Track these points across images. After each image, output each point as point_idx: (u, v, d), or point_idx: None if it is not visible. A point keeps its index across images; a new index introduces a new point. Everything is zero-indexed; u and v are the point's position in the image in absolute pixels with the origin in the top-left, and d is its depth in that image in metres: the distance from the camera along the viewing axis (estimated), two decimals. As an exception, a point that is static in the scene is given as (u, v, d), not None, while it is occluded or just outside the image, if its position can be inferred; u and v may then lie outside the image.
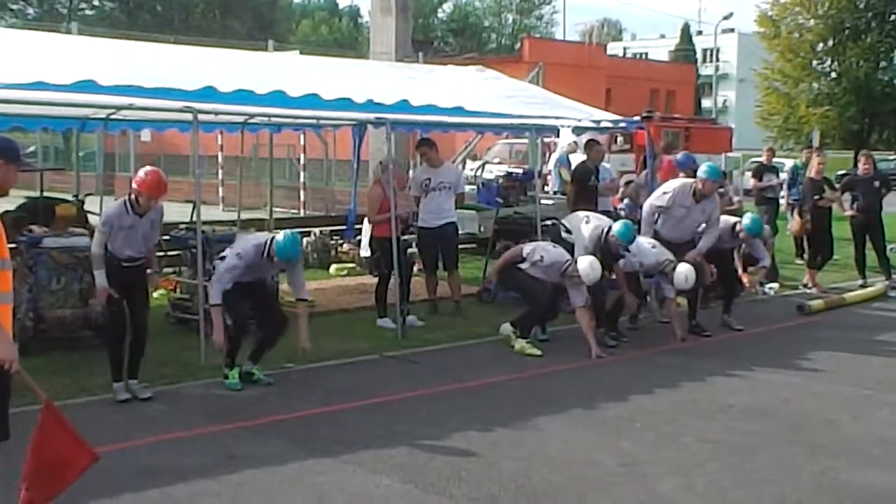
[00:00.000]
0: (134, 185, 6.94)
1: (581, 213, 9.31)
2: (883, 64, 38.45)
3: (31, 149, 33.77)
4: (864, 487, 5.57)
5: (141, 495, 5.20)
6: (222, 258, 7.39)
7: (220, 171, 23.00)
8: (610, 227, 8.97)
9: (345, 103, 8.76)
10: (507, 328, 9.09)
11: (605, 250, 8.88)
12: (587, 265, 8.59)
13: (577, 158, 13.42)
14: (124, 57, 8.77)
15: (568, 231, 9.87)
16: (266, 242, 7.31)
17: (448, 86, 11.49)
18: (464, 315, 10.32)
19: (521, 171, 16.99)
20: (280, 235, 7.34)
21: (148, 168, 7.09)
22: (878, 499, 5.41)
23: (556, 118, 11.64)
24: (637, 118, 12.21)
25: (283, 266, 7.52)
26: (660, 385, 7.83)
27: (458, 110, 9.83)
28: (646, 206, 9.84)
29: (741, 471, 5.81)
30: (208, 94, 7.97)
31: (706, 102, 55.83)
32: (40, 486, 4.63)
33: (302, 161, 21.89)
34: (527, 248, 9.06)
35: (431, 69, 13.38)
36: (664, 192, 9.67)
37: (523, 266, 8.96)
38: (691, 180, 9.70)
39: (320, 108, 9.10)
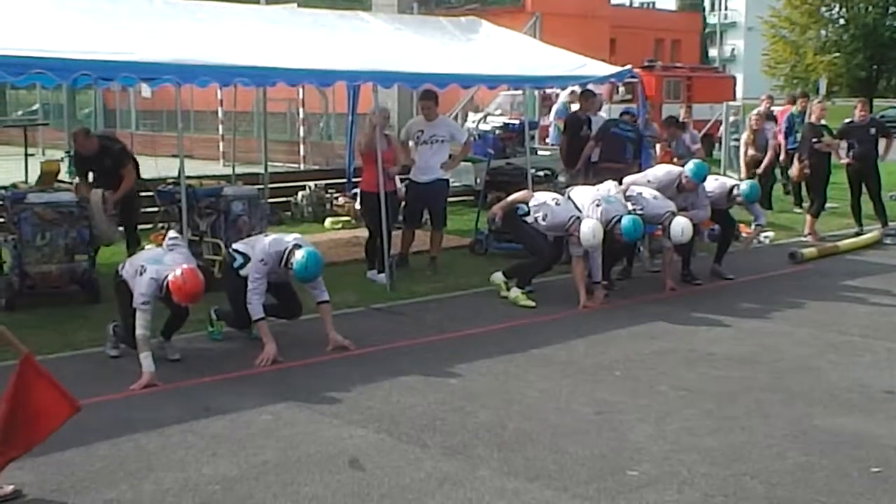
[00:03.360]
0: (169, 284, 6.35)
1: (590, 193, 9.01)
2: (892, 10, 37.88)
3: (35, 106, 33.80)
4: (835, 432, 5.59)
5: (114, 447, 5.26)
6: (240, 267, 7.05)
7: (220, 127, 22.91)
8: (620, 219, 8.69)
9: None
10: (498, 277, 9.10)
11: (608, 234, 8.75)
12: (589, 231, 8.50)
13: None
14: (96, 20, 8.72)
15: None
16: (285, 252, 6.92)
17: (432, 42, 11.42)
18: (437, 271, 10.17)
19: (517, 122, 16.90)
20: (300, 253, 6.88)
21: (186, 269, 6.39)
22: (848, 442, 5.42)
23: (526, 77, 11.49)
24: (628, 68, 12.05)
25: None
26: (643, 334, 7.87)
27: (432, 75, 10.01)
28: (627, 181, 9.62)
29: (715, 418, 5.84)
30: (184, 71, 8.04)
31: (713, 52, 55.14)
32: (15, 437, 4.70)
33: (301, 115, 21.82)
34: (535, 199, 8.98)
35: (423, 22, 13.24)
36: (648, 181, 9.53)
37: (527, 219, 8.92)
38: (678, 170, 9.56)
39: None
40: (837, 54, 37.21)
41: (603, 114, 13.44)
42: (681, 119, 13.55)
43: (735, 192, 9.87)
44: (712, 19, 57.48)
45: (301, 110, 21.72)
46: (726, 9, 65.37)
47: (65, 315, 8.10)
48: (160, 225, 9.86)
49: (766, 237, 12.41)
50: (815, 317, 8.50)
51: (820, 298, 9.18)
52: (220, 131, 22.68)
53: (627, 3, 50.18)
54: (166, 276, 6.38)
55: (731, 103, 21.23)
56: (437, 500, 4.66)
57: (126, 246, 9.43)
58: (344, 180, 13.66)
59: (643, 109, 12.06)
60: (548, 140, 18.95)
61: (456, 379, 6.58)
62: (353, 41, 10.63)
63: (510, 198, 9.21)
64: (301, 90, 19.85)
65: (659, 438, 5.48)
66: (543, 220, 8.82)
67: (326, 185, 14.62)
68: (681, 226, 8.93)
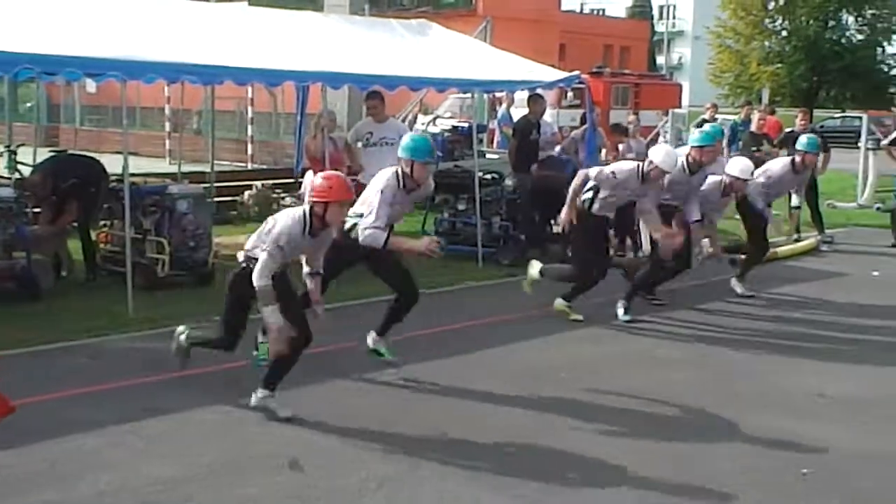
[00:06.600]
0: (315, 193, 5.62)
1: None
2: (831, 23, 38.74)
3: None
4: (771, 435, 5.72)
5: (55, 446, 5.19)
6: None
7: (166, 124, 22.67)
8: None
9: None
10: (560, 303, 8.46)
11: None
12: (662, 153, 8.17)
13: (522, 113, 13.47)
14: (40, 13, 8.59)
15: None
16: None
17: (382, 44, 11.43)
18: None
19: (466, 125, 16.98)
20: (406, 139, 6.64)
21: (325, 173, 5.86)
22: (783, 445, 5.56)
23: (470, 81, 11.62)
24: (576, 74, 12.19)
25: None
26: (589, 337, 7.99)
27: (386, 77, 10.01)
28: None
29: (652, 419, 5.95)
30: (129, 67, 7.96)
31: (661, 59, 55.92)
32: None
33: (250, 114, 21.69)
34: (591, 171, 8.33)
35: (373, 24, 13.24)
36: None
37: (596, 196, 8.16)
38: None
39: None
40: (780, 65, 37.95)
41: (548, 117, 13.58)
42: (629, 126, 13.73)
43: (727, 181, 9.03)
44: (660, 27, 58.35)
45: (250, 109, 21.60)
46: (674, 17, 66.29)
47: (1, 313, 7.96)
48: (102, 223, 9.75)
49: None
50: (752, 322, 8.67)
51: (758, 304, 9.36)
52: (167, 128, 22.47)
53: (578, 10, 50.68)
54: (302, 209, 5.70)
55: (677, 111, 21.56)
56: (375, 501, 4.68)
57: (82, 250, 9.33)
58: (291, 180, 13.62)
59: (591, 115, 12.19)
60: (494, 145, 19.08)
61: (401, 381, 6.60)
62: (303, 41, 10.59)
63: (571, 191, 8.27)
64: (250, 89, 19.74)
65: (600, 440, 5.57)
66: (613, 176, 8.10)
67: (273, 184, 14.55)
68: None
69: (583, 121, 12.23)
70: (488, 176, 12.44)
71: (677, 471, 5.14)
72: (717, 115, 16.72)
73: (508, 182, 12.33)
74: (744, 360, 7.43)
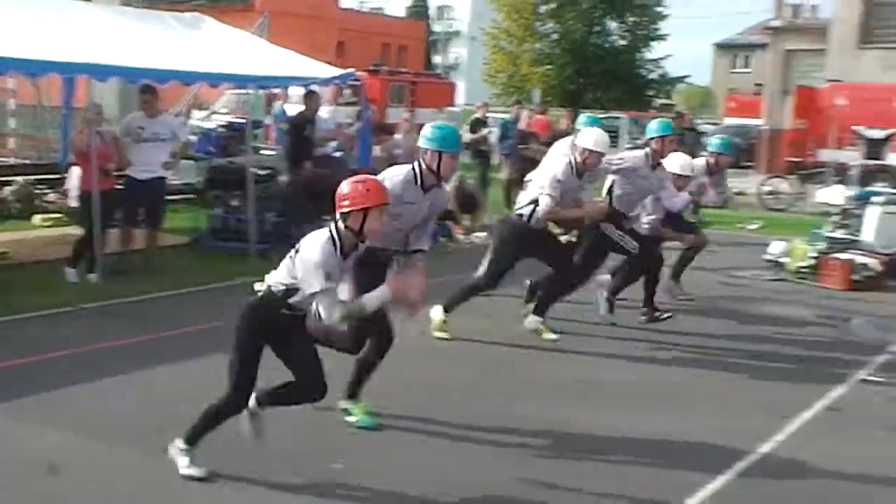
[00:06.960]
0: (346, 204, 4.78)
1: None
2: (597, 28, 40.90)
3: None
4: (537, 419, 6.12)
5: None
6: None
7: (-86, 115, 21.04)
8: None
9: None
10: (533, 322, 8.15)
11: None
12: (593, 136, 7.61)
13: (297, 109, 13.53)
14: None
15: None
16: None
17: (152, 37, 11.18)
18: (153, 269, 9.92)
19: (244, 121, 16.81)
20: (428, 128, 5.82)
21: (356, 176, 5.04)
22: (547, 428, 5.98)
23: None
24: (350, 71, 12.38)
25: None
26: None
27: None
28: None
29: (425, 412, 6.16)
30: None
31: (438, 58, 57.19)
32: None
33: (12, 106, 20.53)
34: (547, 184, 7.63)
35: (144, 15, 12.89)
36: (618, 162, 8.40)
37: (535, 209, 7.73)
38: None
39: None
40: (550, 67, 39.68)
41: (324, 114, 13.70)
42: (404, 121, 14.10)
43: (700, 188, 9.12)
44: (438, 28, 59.65)
45: (12, 101, 20.45)
46: (451, 18, 67.97)
47: None
48: None
49: (476, 237, 13.08)
50: (515, 312, 9.01)
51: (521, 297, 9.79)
52: (-84, 120, 20.87)
53: (357, 8, 50.94)
54: (326, 228, 4.95)
55: (451, 108, 22.22)
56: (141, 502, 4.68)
57: None
58: (57, 176, 13.07)
59: (366, 112, 12.40)
60: (270, 141, 19.02)
61: (165, 377, 6.53)
62: (69, 31, 10.17)
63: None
64: (11, 80, 18.67)
65: (370, 431, 5.75)
66: (559, 183, 7.62)
67: (37, 179, 13.90)
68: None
69: (359, 118, 12.41)
70: (262, 172, 12.43)
71: (440, 463, 5.42)
72: (487, 114, 17.36)
73: (283, 178, 12.38)
74: (504, 351, 7.77)
